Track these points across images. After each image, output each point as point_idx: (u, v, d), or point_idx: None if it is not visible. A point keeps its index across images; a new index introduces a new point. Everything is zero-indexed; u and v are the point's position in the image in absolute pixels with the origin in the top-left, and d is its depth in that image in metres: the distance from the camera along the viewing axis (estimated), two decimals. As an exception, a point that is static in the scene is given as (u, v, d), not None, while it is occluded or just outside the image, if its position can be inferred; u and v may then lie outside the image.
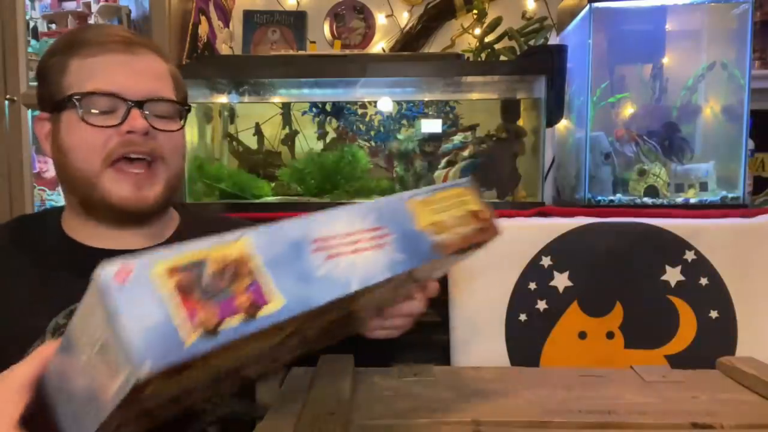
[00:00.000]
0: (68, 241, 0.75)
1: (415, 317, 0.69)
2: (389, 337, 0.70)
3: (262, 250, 0.39)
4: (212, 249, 0.37)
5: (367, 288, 0.45)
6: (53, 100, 0.72)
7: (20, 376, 0.41)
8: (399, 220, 0.50)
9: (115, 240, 0.75)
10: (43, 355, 0.42)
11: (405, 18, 1.71)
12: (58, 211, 0.79)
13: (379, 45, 1.73)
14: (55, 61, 0.72)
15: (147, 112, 0.71)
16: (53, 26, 1.63)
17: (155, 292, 0.34)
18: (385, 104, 1.34)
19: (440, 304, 1.00)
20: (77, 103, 0.69)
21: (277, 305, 0.38)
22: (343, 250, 0.45)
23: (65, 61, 0.71)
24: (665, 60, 1.23)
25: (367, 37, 1.73)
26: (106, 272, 0.33)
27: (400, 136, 1.35)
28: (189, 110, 0.79)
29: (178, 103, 0.76)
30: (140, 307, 0.33)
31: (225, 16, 1.63)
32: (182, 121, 0.77)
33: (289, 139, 1.40)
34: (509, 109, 1.32)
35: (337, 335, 0.65)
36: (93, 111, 0.69)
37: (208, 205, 1.25)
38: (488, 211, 0.60)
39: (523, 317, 0.99)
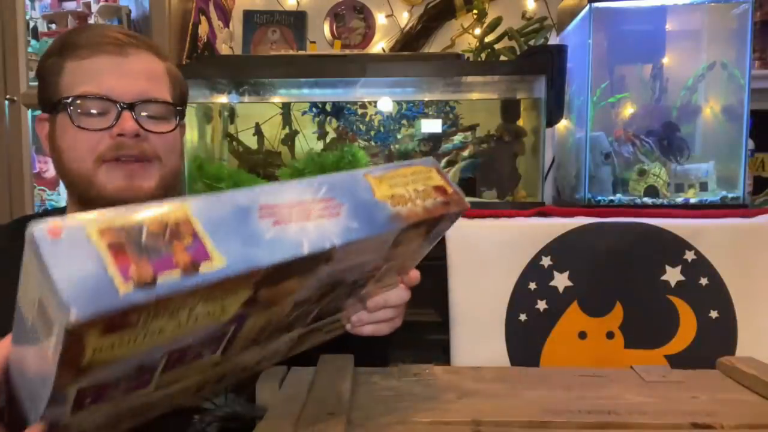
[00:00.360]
0: None
1: (401, 308, 0.69)
2: (378, 333, 0.69)
3: (202, 214, 0.39)
4: (151, 214, 0.37)
5: (323, 253, 0.45)
6: (50, 102, 0.73)
7: None
8: (354, 191, 0.50)
9: None
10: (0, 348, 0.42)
11: (405, 18, 1.71)
12: (60, 211, 0.79)
13: (379, 45, 1.73)
14: (51, 63, 0.73)
15: (138, 114, 0.71)
16: (53, 26, 1.63)
17: (89, 246, 0.34)
18: (385, 104, 1.34)
19: (440, 304, 1.01)
20: (68, 107, 0.70)
21: (219, 264, 0.38)
22: (293, 218, 0.44)
23: (60, 63, 0.72)
24: (665, 60, 1.23)
25: (367, 37, 1.73)
26: (40, 228, 0.34)
27: (400, 136, 1.35)
28: (183, 110, 0.79)
29: (171, 104, 0.76)
30: (73, 258, 0.33)
31: (225, 16, 1.63)
32: (177, 121, 0.77)
33: (289, 139, 1.40)
34: (509, 109, 1.32)
35: (324, 331, 0.65)
36: (84, 114, 0.70)
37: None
38: (453, 187, 0.58)
39: (523, 317, 0.99)
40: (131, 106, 0.71)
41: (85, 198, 0.73)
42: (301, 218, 0.45)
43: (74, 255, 0.33)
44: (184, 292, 0.36)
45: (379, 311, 0.66)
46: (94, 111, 0.71)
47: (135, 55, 0.73)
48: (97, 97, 0.70)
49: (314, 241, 0.44)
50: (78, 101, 0.70)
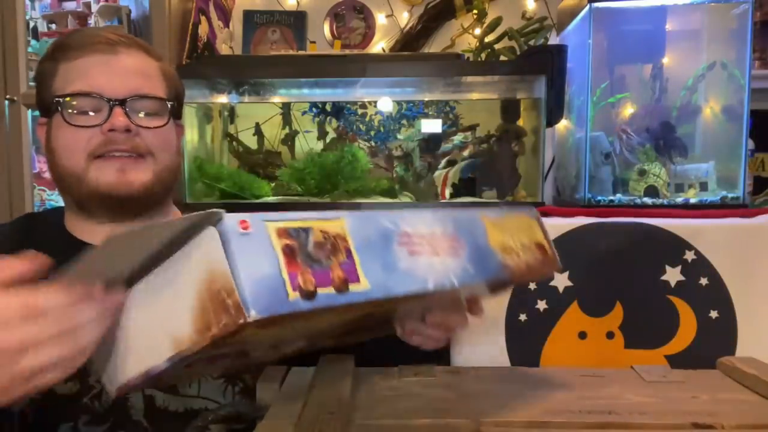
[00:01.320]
0: (71, 239, 0.76)
1: (453, 332, 0.69)
2: (422, 345, 0.69)
3: (355, 232, 0.41)
4: (315, 221, 0.39)
5: (444, 290, 0.47)
6: (45, 104, 0.74)
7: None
8: (473, 233, 0.52)
9: None
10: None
11: (405, 18, 1.71)
12: (62, 210, 0.80)
13: (379, 45, 1.73)
14: (45, 67, 0.74)
15: (129, 110, 0.72)
16: (53, 26, 1.63)
17: (269, 247, 0.36)
18: (385, 104, 1.34)
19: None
20: (60, 106, 0.71)
21: (363, 286, 0.40)
22: (424, 250, 0.46)
23: (54, 66, 0.73)
24: (665, 60, 1.23)
25: (367, 37, 1.73)
26: (232, 219, 0.36)
27: (400, 136, 1.35)
28: (179, 109, 0.79)
29: (162, 99, 0.75)
30: (256, 256, 0.35)
31: (225, 16, 1.63)
32: (170, 117, 0.76)
33: (289, 139, 1.40)
34: (509, 109, 1.32)
35: (376, 331, 0.66)
36: (75, 112, 0.71)
37: (209, 206, 1.25)
38: (552, 248, 0.61)
39: (523, 317, 0.99)
40: (122, 102, 0.71)
41: (78, 195, 0.73)
42: (430, 252, 0.47)
43: (258, 253, 0.36)
44: (333, 307, 0.39)
45: (434, 328, 0.67)
46: (85, 109, 0.71)
47: (126, 53, 0.73)
48: (87, 94, 0.71)
49: (439, 279, 0.46)
50: (69, 100, 0.71)
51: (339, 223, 0.41)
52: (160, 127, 0.75)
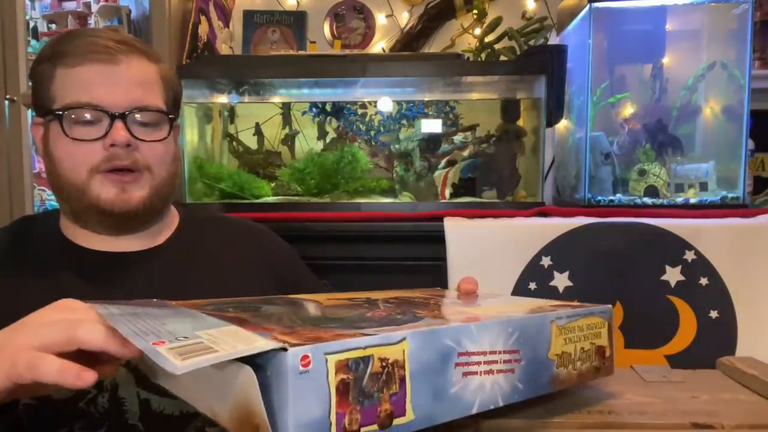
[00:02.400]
0: (68, 244, 0.76)
1: None
2: None
3: (414, 356, 0.39)
4: (377, 347, 0.37)
5: (481, 411, 0.45)
6: (43, 108, 0.73)
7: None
8: (535, 343, 0.50)
9: (113, 243, 0.76)
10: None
11: (405, 18, 1.71)
12: (58, 212, 0.79)
13: (379, 45, 1.73)
14: (42, 69, 0.73)
15: (129, 122, 0.72)
16: (53, 26, 1.63)
17: (324, 386, 0.34)
18: (385, 104, 1.34)
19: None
20: (61, 117, 0.70)
21: (407, 419, 0.39)
22: (480, 369, 0.44)
23: (51, 70, 0.72)
24: (665, 60, 1.23)
25: (367, 37, 1.73)
26: (294, 354, 0.33)
27: (400, 136, 1.35)
28: (174, 119, 0.79)
29: (163, 112, 0.75)
30: (309, 397, 0.33)
31: (225, 16, 1.63)
32: (169, 128, 0.76)
33: (289, 139, 1.40)
34: (509, 109, 1.32)
35: None
36: (76, 124, 0.71)
37: (209, 206, 1.25)
38: (612, 350, 0.59)
39: (523, 317, 0.99)
40: (123, 116, 0.71)
41: (77, 206, 0.73)
42: (485, 371, 0.45)
43: (311, 393, 0.33)
44: None
45: None
46: (86, 121, 0.71)
47: (126, 63, 0.72)
48: (88, 107, 0.70)
49: (484, 402, 0.45)
50: (70, 112, 0.70)
51: (400, 347, 0.39)
52: (160, 141, 0.75)
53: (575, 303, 0.60)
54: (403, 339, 0.38)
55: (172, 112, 0.78)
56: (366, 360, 0.36)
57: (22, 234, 0.78)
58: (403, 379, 0.38)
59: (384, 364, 0.37)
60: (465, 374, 0.43)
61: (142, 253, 0.77)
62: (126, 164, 0.72)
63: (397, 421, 0.38)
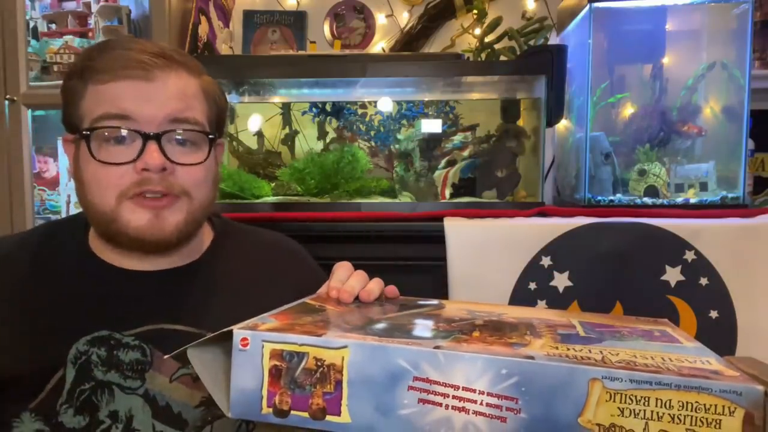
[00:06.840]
0: (96, 262, 0.72)
1: None
2: None
3: (356, 366, 0.41)
4: (315, 348, 0.42)
5: None
6: (72, 126, 0.68)
7: None
8: (552, 400, 0.36)
9: (142, 263, 0.72)
10: None
11: (405, 18, 1.71)
12: (84, 221, 0.74)
13: (379, 45, 1.73)
14: (73, 85, 0.68)
15: (166, 144, 0.66)
16: (53, 26, 1.63)
17: (259, 366, 0.42)
18: (385, 104, 1.34)
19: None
20: (90, 137, 0.65)
21: (343, 419, 0.41)
22: (446, 402, 0.38)
23: (82, 86, 0.67)
24: (665, 60, 1.23)
25: (367, 37, 1.73)
26: (239, 334, 0.43)
27: (400, 136, 1.35)
28: (219, 125, 0.73)
29: (202, 132, 0.69)
30: (246, 371, 0.42)
31: (225, 16, 1.63)
32: (210, 147, 0.70)
33: (289, 139, 1.40)
34: (509, 109, 1.32)
35: None
36: (106, 145, 0.65)
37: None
38: None
39: (523, 317, 0.99)
40: (157, 137, 0.65)
41: (107, 231, 0.68)
42: (455, 407, 0.38)
43: (248, 368, 0.42)
44: (304, 427, 0.42)
45: None
46: (116, 142, 0.65)
47: (162, 80, 0.66)
48: (118, 118, 0.65)
49: None
50: (99, 132, 0.65)
51: (340, 353, 0.41)
52: (198, 164, 0.68)
53: (676, 357, 0.43)
54: (345, 347, 0.41)
55: (214, 128, 0.72)
56: (300, 355, 0.42)
57: (47, 245, 0.74)
58: (339, 383, 0.41)
59: (319, 363, 0.41)
60: (422, 401, 0.39)
61: (171, 272, 0.73)
62: (158, 189, 0.66)
63: (332, 419, 0.41)
